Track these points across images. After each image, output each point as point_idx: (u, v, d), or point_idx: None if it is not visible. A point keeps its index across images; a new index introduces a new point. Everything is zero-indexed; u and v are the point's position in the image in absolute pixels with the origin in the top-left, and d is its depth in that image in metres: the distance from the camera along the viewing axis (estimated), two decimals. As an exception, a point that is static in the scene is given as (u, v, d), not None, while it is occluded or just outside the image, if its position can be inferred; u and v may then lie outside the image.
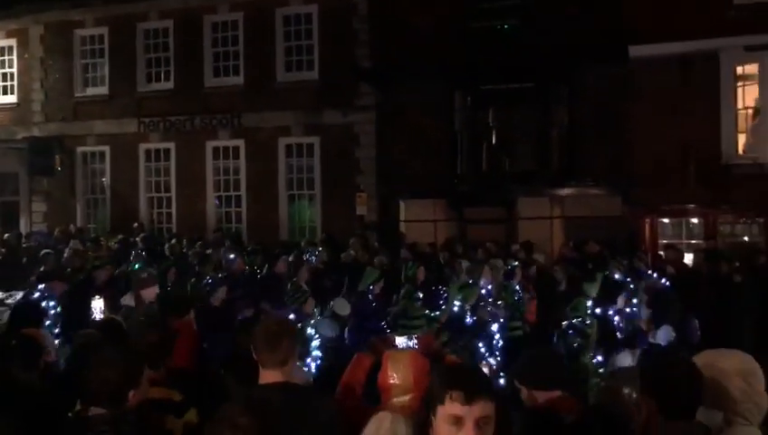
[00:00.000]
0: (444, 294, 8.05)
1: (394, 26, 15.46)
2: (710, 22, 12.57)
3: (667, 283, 9.18)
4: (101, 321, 5.50)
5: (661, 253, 11.86)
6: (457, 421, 2.04)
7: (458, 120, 15.68)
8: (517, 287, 8.73)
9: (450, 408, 2.05)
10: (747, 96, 13.31)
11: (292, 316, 6.15)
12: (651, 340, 7.15)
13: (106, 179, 17.98)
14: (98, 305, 6.58)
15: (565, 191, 14.13)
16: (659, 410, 2.61)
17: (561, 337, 7.19)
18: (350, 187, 15.79)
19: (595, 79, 14.02)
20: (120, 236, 14.04)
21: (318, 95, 16.08)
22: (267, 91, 16.38)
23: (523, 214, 13.98)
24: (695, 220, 13.66)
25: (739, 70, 13.21)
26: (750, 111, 13.30)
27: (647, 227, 13.53)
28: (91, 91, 18.07)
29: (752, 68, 13.06)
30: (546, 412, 3.21)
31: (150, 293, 6.21)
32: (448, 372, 2.31)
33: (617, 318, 8.09)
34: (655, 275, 9.46)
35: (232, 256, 10.12)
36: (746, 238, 13.60)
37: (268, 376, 3.14)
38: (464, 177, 15.50)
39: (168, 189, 17.50)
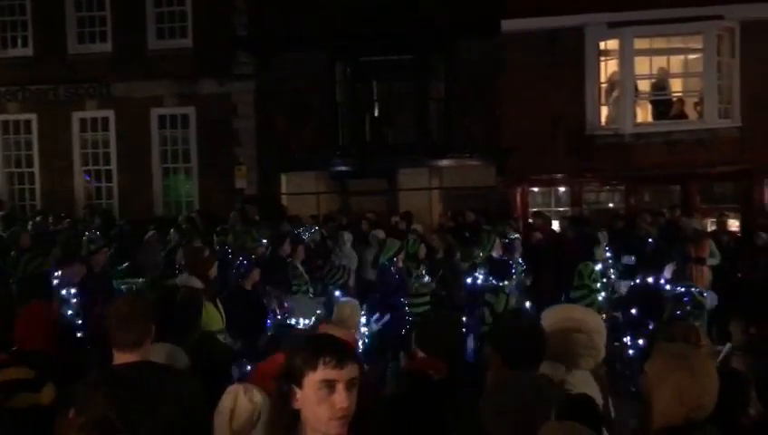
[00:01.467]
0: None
1: (272, -7, 15.07)
2: (576, -2, 13.17)
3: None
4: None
5: (531, 220, 12.44)
6: (330, 385, 2.14)
7: (339, 92, 15.61)
8: (520, 260, 8.76)
9: (323, 373, 2.14)
10: (609, 70, 14.12)
11: (337, 293, 5.94)
12: None
13: (-42, 153, 16.53)
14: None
15: (443, 163, 14.50)
16: (503, 362, 2.84)
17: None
18: (229, 159, 15.37)
19: (470, 52, 14.35)
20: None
21: (193, 64, 15.44)
22: (138, 60, 15.54)
23: (404, 185, 14.24)
24: (562, 189, 14.44)
25: (602, 45, 13.94)
26: (607, 85, 14.11)
27: (518, 196, 14.15)
28: (-65, 56, 16.44)
29: (613, 43, 13.84)
30: (416, 372, 3.40)
31: (214, 271, 5.85)
32: (317, 341, 2.34)
33: (668, 287, 7.22)
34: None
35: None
36: (610, 205, 14.56)
37: (122, 357, 3.07)
38: (345, 149, 15.49)
39: (30, 164, 16.32)
